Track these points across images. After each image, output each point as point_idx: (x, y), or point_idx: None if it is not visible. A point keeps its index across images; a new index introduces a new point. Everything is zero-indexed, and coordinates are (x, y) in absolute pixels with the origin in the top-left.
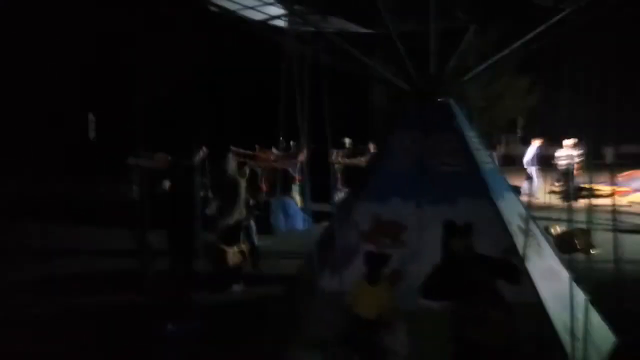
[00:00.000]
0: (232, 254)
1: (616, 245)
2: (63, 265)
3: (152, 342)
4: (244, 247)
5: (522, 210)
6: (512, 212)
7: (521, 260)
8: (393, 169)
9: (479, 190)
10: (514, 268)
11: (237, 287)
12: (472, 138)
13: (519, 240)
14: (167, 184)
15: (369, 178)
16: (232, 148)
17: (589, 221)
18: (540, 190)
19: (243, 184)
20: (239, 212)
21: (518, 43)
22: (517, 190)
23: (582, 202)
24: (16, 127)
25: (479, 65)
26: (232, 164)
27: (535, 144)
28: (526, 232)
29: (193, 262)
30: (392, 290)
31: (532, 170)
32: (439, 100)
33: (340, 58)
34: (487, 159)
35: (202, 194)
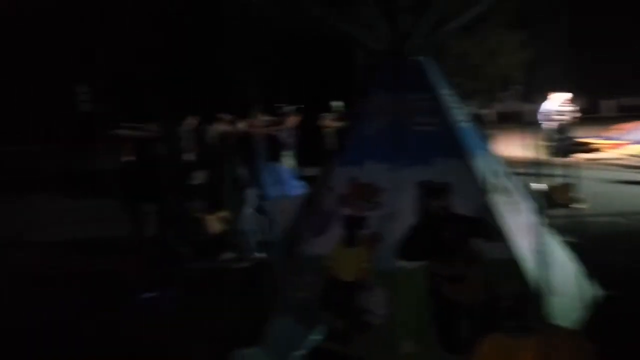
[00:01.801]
0: (214, 220)
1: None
2: (53, 233)
3: (125, 308)
4: (227, 214)
5: (499, 168)
6: (487, 170)
7: (496, 218)
8: (368, 132)
9: (454, 150)
10: (488, 226)
11: (226, 256)
12: (446, 96)
13: (494, 198)
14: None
15: (345, 142)
16: (219, 115)
17: (576, 175)
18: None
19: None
20: (223, 180)
21: None
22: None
23: (576, 157)
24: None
25: (455, 20)
26: (216, 131)
27: (554, 97)
28: (501, 190)
29: (180, 231)
30: (370, 252)
31: (549, 125)
32: (410, 58)
33: (313, 19)
34: (462, 117)
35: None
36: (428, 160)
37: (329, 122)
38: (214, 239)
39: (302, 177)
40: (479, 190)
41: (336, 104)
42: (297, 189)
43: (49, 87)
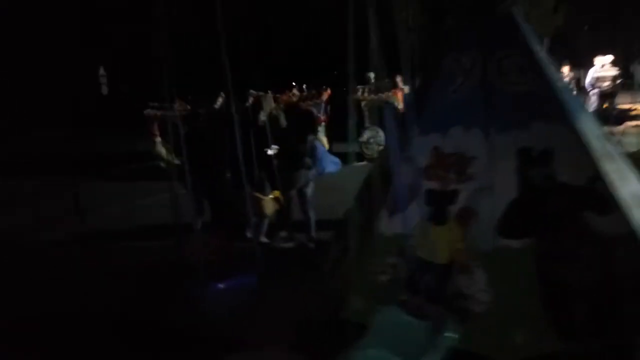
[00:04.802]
0: (267, 201)
1: None
2: (98, 221)
3: (196, 301)
4: (278, 193)
5: (600, 132)
6: (592, 135)
7: (608, 187)
8: (451, 96)
9: (555, 112)
10: (601, 197)
11: (283, 234)
12: (541, 53)
13: (603, 165)
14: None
15: (422, 109)
16: (251, 92)
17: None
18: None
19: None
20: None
21: None
22: None
23: (624, 124)
24: (24, 83)
25: None
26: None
27: (599, 61)
28: (607, 156)
29: (229, 213)
30: (463, 230)
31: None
32: (498, 11)
33: None
34: (558, 76)
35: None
36: (525, 125)
37: (364, 96)
38: (270, 220)
39: (336, 154)
40: (586, 157)
41: (373, 75)
42: (333, 165)
43: (70, 70)
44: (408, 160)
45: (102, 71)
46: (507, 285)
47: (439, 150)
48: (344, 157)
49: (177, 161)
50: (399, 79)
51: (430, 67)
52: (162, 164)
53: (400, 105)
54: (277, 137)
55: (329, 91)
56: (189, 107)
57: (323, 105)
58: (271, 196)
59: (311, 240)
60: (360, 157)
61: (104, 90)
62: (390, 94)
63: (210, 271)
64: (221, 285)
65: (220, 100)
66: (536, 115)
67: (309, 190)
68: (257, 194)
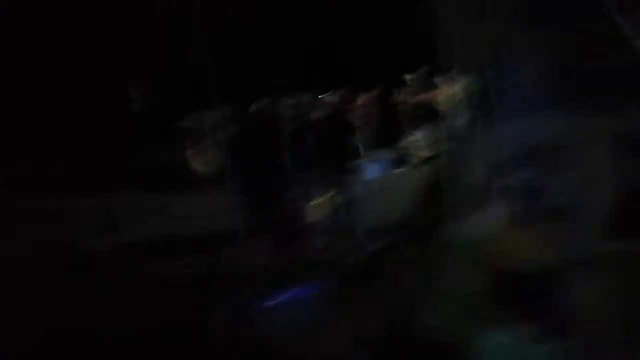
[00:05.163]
0: (316, 207)
1: None
2: (149, 231)
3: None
4: (330, 197)
5: None
6: None
7: None
8: (523, 80)
9: None
10: None
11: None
12: (626, 24)
13: None
14: None
15: (496, 97)
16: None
17: None
18: None
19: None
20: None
21: None
22: None
23: None
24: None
25: None
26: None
27: None
28: None
29: (282, 219)
30: (553, 232)
31: None
32: None
33: None
34: None
35: None
36: (621, 106)
37: (404, 98)
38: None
39: (378, 158)
40: None
41: (411, 76)
42: (371, 171)
43: (102, 83)
44: (480, 155)
45: (134, 85)
46: (620, 295)
47: (518, 142)
48: (382, 163)
49: (213, 170)
50: (439, 80)
51: (503, 48)
52: (197, 174)
53: (442, 107)
54: (321, 139)
55: (368, 94)
56: (231, 111)
57: (362, 108)
58: (319, 201)
59: (363, 248)
60: (399, 163)
61: (137, 106)
62: (431, 95)
63: (265, 282)
64: (280, 299)
65: (263, 103)
66: (632, 95)
67: (361, 196)
68: (305, 199)
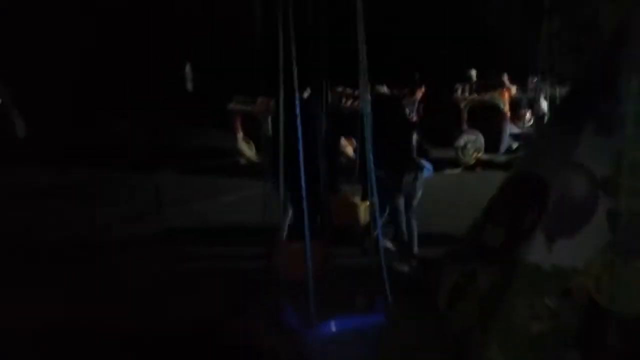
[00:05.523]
0: (364, 207)
1: None
2: (178, 219)
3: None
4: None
5: None
6: None
7: None
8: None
9: None
10: None
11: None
12: None
13: None
14: None
15: (596, 97)
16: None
17: None
18: None
19: None
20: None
21: None
22: None
23: None
24: (109, 78)
25: None
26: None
27: None
28: None
29: (328, 219)
30: None
31: None
32: None
33: None
34: None
35: None
36: None
37: (464, 95)
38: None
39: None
40: None
41: (473, 72)
42: (424, 170)
43: (155, 64)
44: (578, 168)
45: (188, 68)
46: None
47: (627, 155)
48: (435, 163)
49: (258, 158)
50: (505, 78)
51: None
52: (243, 161)
53: (506, 107)
54: (380, 132)
55: (423, 88)
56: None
57: (416, 104)
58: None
59: (413, 258)
60: (454, 163)
61: (189, 86)
62: (496, 94)
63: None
64: (337, 326)
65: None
66: None
67: (417, 198)
68: (353, 199)
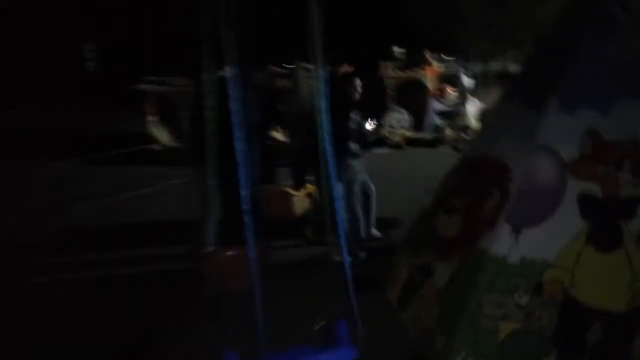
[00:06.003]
0: (301, 199)
1: None
2: (82, 217)
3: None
4: (312, 189)
5: None
6: None
7: None
8: (614, 54)
9: None
10: None
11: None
12: None
13: None
14: None
15: (562, 74)
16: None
17: None
18: None
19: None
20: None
21: None
22: None
23: None
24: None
25: None
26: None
27: None
28: None
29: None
30: None
31: None
32: None
33: None
34: None
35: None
36: None
37: (392, 72)
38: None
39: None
40: None
41: (399, 49)
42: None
43: (54, 43)
44: (542, 149)
45: (90, 45)
46: None
47: (596, 135)
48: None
49: (176, 144)
50: (428, 55)
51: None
52: (157, 147)
53: (431, 85)
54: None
55: (345, 67)
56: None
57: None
58: (303, 192)
59: (362, 250)
60: (380, 142)
61: (92, 65)
62: (420, 71)
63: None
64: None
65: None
66: None
67: (359, 184)
68: (287, 189)
